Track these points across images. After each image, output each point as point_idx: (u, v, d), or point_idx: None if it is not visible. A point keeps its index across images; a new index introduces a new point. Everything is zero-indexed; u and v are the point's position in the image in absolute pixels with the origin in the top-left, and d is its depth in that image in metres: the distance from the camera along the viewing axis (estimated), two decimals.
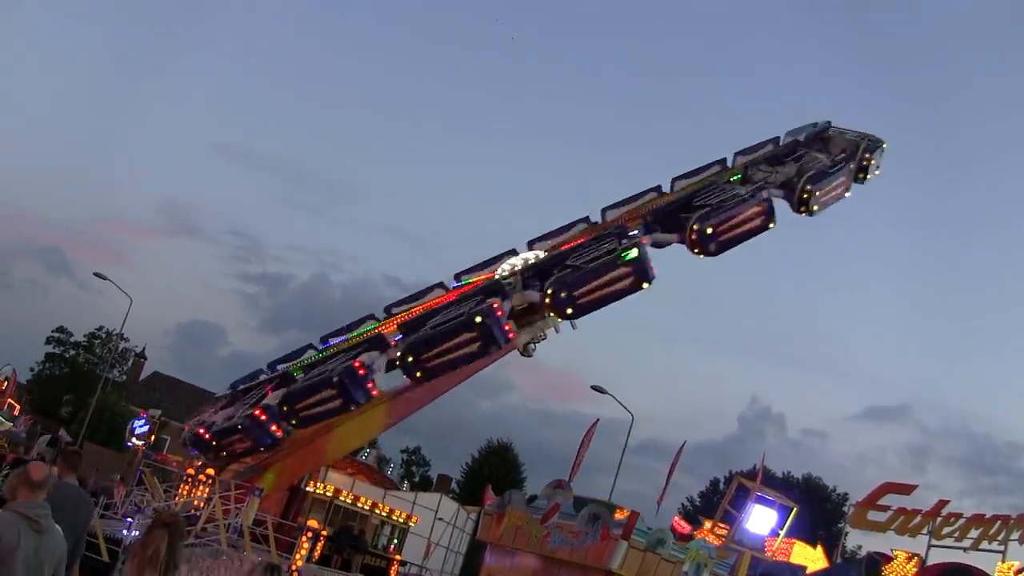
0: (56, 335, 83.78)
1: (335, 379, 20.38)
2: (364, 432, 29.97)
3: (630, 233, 22.81)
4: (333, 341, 27.47)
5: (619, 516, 24.27)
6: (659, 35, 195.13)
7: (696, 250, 21.76)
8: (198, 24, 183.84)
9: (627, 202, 27.69)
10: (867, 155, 25.54)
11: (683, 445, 33.73)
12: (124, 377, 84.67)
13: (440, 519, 44.43)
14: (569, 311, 20.26)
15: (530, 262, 25.22)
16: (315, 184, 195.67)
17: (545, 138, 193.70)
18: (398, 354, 20.61)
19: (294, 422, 21.25)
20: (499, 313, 20.13)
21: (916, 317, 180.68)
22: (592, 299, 20.49)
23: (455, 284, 28.13)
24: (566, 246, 25.80)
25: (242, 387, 26.33)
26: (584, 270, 20.70)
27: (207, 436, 22.79)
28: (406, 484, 75.49)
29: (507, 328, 20.41)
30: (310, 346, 27.84)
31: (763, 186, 23.41)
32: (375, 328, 26.76)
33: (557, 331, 23.68)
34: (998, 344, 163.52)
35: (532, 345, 25.06)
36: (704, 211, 22.18)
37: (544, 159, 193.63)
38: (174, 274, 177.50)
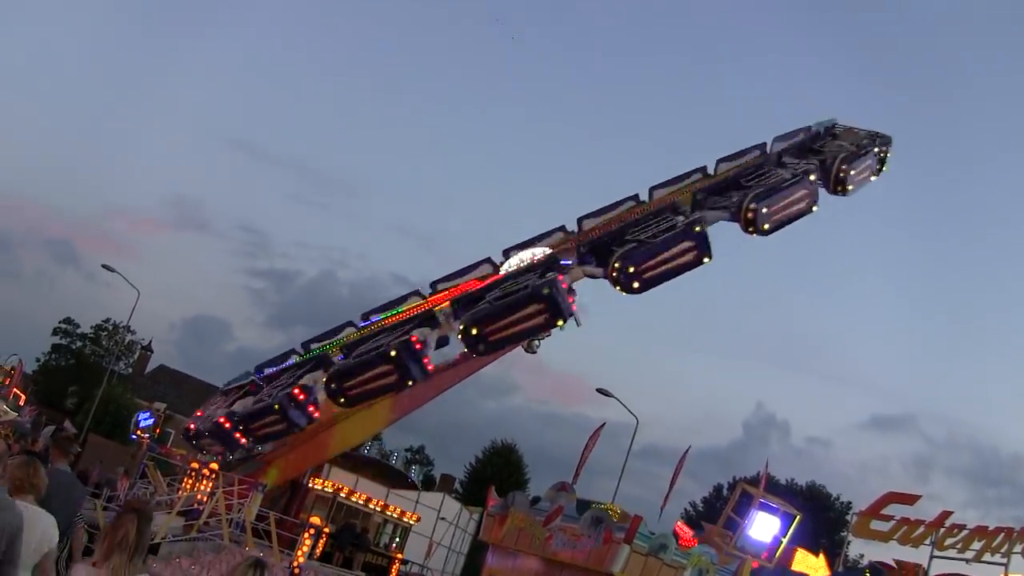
0: (63, 326, 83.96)
1: (392, 353, 20.23)
2: (367, 427, 29.96)
3: (681, 210, 22.90)
4: (375, 318, 27.39)
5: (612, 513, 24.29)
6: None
7: (750, 229, 21.84)
8: (209, 19, 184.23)
9: (674, 181, 27.75)
10: (883, 147, 25.76)
11: (687, 450, 33.70)
12: (130, 370, 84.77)
13: (443, 519, 44.43)
14: (635, 285, 20.27)
15: (580, 238, 25.22)
16: (325, 181, 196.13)
17: (556, 138, 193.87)
18: (460, 327, 20.43)
19: (342, 400, 21.10)
20: (564, 285, 20.12)
21: (922, 326, 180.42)
22: (657, 273, 20.52)
23: (503, 260, 28.05)
24: (614, 224, 25.74)
25: (234, 384, 26.25)
26: (651, 244, 20.71)
27: (228, 424, 22.67)
28: (416, 472, 75.51)
29: (571, 301, 20.39)
30: (349, 323, 27.71)
31: (806, 171, 23.46)
32: (419, 304, 26.70)
33: (561, 328, 23.60)
34: (1005, 355, 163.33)
35: (536, 342, 25.01)
36: (758, 191, 22.25)
37: (555, 159, 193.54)
38: (182, 268, 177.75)
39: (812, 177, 23.13)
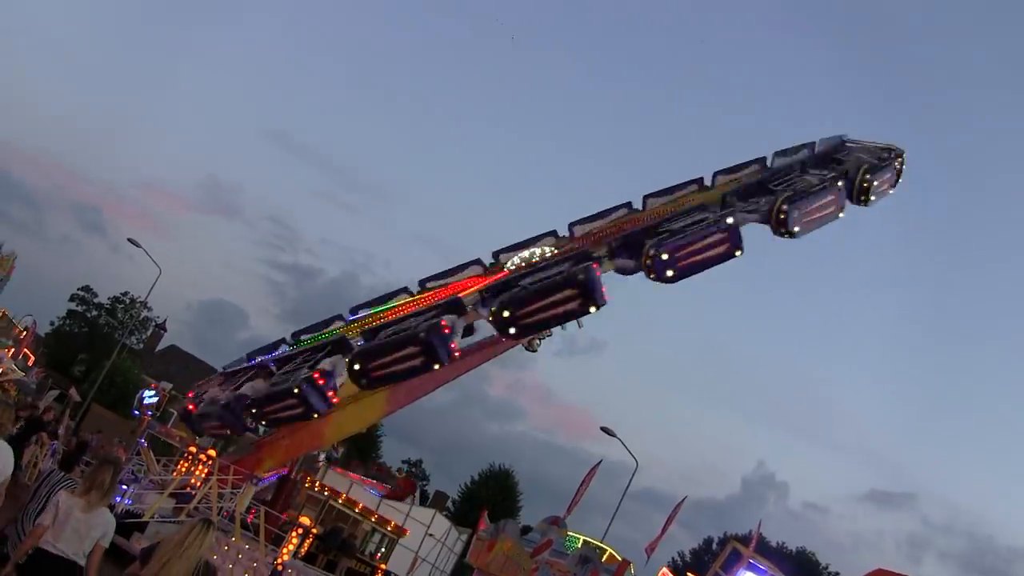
0: (81, 293, 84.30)
1: (421, 335, 20.18)
2: (363, 417, 29.88)
3: (711, 209, 22.92)
4: (363, 312, 27.41)
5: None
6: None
7: (782, 230, 21.89)
8: (264, 6, 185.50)
9: (670, 191, 27.91)
10: (899, 159, 25.75)
11: (683, 500, 33.51)
12: (141, 345, 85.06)
13: (431, 535, 44.23)
14: (669, 273, 20.15)
15: (619, 229, 25.26)
16: (360, 184, 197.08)
17: (585, 160, 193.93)
18: (492, 309, 20.37)
19: (364, 381, 21.00)
20: (598, 273, 20.13)
21: (933, 409, 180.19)
22: (693, 262, 20.40)
23: (492, 262, 28.09)
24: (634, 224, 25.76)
25: (270, 356, 26.19)
26: (685, 232, 20.74)
27: (235, 405, 22.58)
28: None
29: (604, 290, 20.37)
30: (338, 317, 27.74)
31: (836, 176, 23.52)
32: (409, 302, 26.73)
33: (563, 328, 23.57)
34: (1012, 447, 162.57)
35: (537, 341, 25.03)
36: (788, 195, 22.32)
37: (583, 180, 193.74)
38: (206, 251, 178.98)
39: (840, 184, 23.16)
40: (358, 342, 23.14)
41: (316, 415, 22.21)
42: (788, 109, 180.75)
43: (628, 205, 28.25)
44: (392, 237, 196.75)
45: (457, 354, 21.22)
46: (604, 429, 46.24)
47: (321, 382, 21.35)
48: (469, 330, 22.89)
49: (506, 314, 20.30)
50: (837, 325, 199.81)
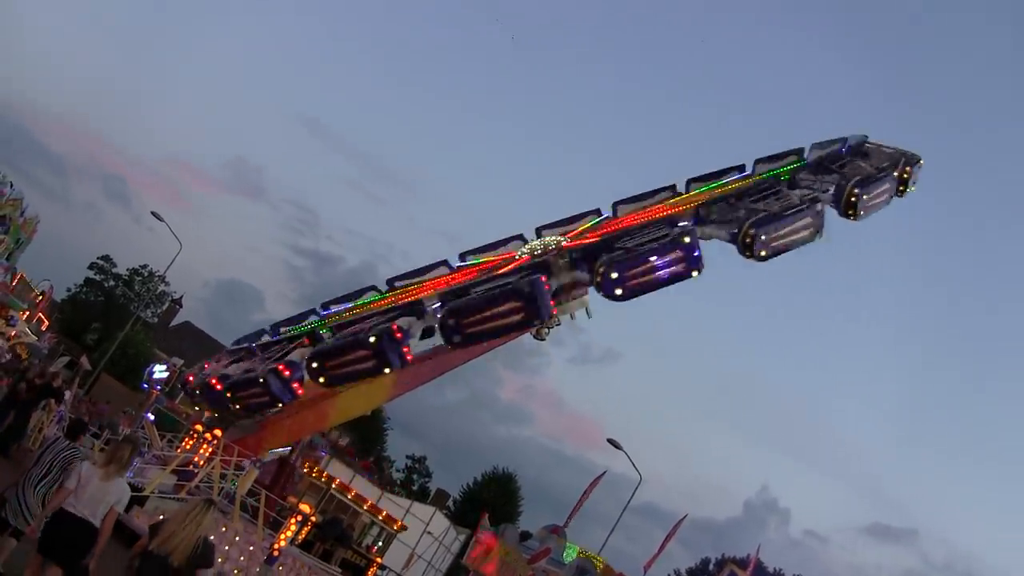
0: (100, 262, 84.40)
1: (371, 340, 20.15)
2: (369, 400, 29.82)
3: (680, 223, 22.52)
4: (333, 308, 27.43)
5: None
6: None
7: (747, 254, 21.45)
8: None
9: (640, 198, 27.74)
10: (907, 168, 25.12)
11: (683, 518, 33.35)
12: (156, 319, 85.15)
13: (429, 533, 44.09)
14: (618, 292, 19.95)
15: (560, 245, 25.08)
16: (386, 175, 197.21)
17: (610, 158, 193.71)
18: (438, 316, 20.32)
19: (322, 379, 21.04)
20: (546, 287, 19.93)
21: (943, 451, 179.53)
22: (641, 282, 20.16)
23: (460, 264, 28.03)
24: (612, 229, 25.62)
25: (252, 344, 26.21)
26: (637, 251, 20.44)
27: (219, 387, 22.62)
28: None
29: (552, 304, 20.18)
30: (312, 311, 27.79)
31: (815, 198, 23.02)
32: (377, 300, 26.72)
33: (572, 318, 23.48)
34: (1018, 493, 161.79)
35: (546, 330, 24.98)
36: (760, 216, 21.82)
37: (607, 178, 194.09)
38: (228, 230, 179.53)
39: (819, 207, 22.66)
40: (329, 336, 23.25)
41: (280, 404, 22.31)
42: (818, 108, 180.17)
43: (597, 212, 28.19)
44: (414, 230, 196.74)
45: (410, 358, 21.19)
46: (611, 441, 46.00)
47: (286, 373, 21.43)
48: (429, 332, 22.76)
49: (451, 322, 20.27)
50: (851, 357, 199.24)
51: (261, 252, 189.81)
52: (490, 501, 64.80)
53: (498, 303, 19.78)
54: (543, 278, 20.00)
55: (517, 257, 25.31)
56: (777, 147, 28.47)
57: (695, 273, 20.02)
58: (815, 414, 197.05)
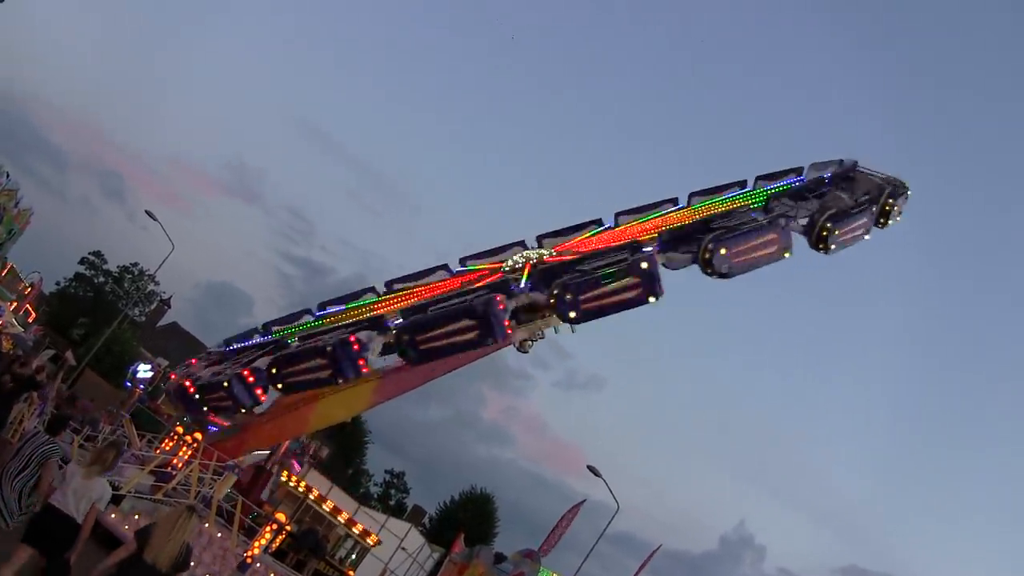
0: (91, 258, 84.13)
1: (328, 349, 20.22)
2: (350, 407, 29.76)
3: (644, 249, 22.45)
4: (331, 309, 27.40)
5: None
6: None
7: (708, 271, 21.38)
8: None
9: (640, 211, 27.58)
10: (891, 200, 24.92)
11: (657, 549, 33.32)
12: (143, 318, 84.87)
13: (403, 549, 43.95)
14: (572, 315, 19.93)
15: (539, 263, 25.05)
16: (385, 189, 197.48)
17: (610, 176, 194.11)
18: (394, 331, 20.37)
19: (280, 386, 21.10)
20: (501, 307, 19.90)
21: (918, 497, 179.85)
22: (597, 305, 20.11)
23: (460, 268, 28.04)
24: (578, 249, 25.60)
25: (236, 346, 26.19)
26: (592, 276, 20.42)
27: (192, 389, 22.60)
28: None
29: (506, 324, 20.16)
30: (307, 311, 27.76)
31: (785, 218, 22.87)
32: (374, 303, 26.71)
33: (556, 331, 23.48)
34: (992, 541, 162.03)
35: (529, 342, 24.94)
36: (720, 233, 21.75)
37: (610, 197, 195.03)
38: (222, 232, 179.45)
39: (783, 222, 22.50)
40: (296, 345, 23.24)
41: (243, 410, 22.34)
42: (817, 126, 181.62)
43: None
44: (409, 246, 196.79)
45: (366, 370, 21.21)
46: (590, 468, 45.94)
47: (250, 379, 21.44)
48: (390, 348, 22.80)
49: (405, 337, 20.31)
50: (836, 398, 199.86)
51: (253, 257, 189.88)
52: (466, 521, 64.62)
53: (452, 321, 19.86)
54: (498, 297, 20.03)
55: (504, 269, 25.31)
56: (779, 162, 28.37)
57: (652, 299, 19.99)
58: (797, 452, 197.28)
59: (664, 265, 21.64)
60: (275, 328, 26.72)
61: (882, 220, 24.78)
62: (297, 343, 23.24)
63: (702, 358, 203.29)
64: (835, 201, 24.98)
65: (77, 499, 11.60)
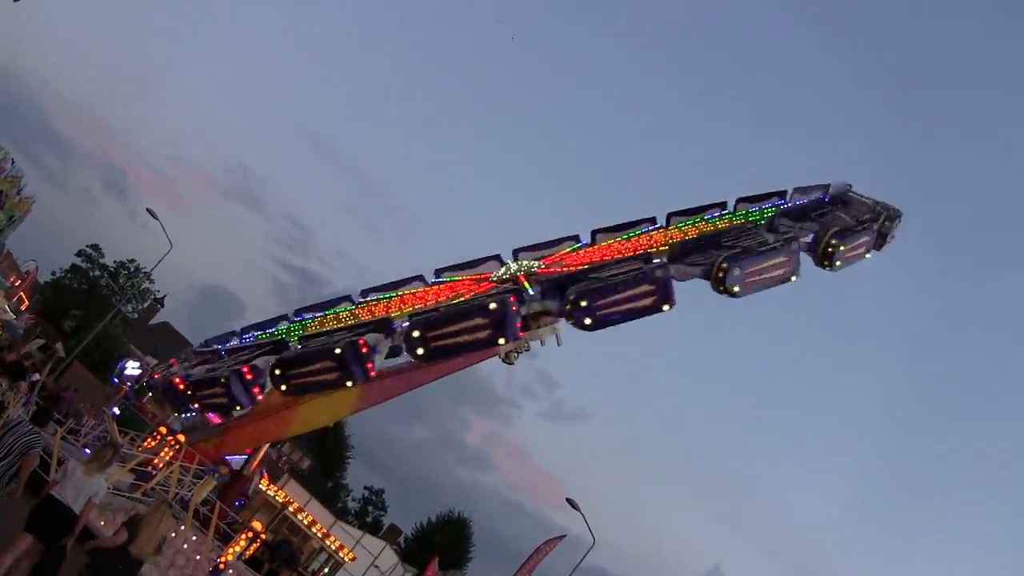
0: (88, 251, 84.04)
1: (337, 351, 20.14)
2: (333, 412, 29.73)
3: (655, 260, 22.50)
4: (307, 315, 27.37)
5: None
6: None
7: (720, 288, 21.36)
8: (330, 12, 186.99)
9: (620, 228, 27.65)
10: (887, 222, 25.08)
11: None
12: (136, 315, 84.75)
13: (376, 567, 43.80)
14: (587, 321, 19.86)
15: (534, 274, 25.07)
16: (388, 206, 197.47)
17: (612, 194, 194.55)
18: (404, 327, 20.31)
19: (284, 387, 21.01)
20: (515, 308, 19.90)
21: (894, 550, 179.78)
22: (611, 312, 20.08)
23: (435, 280, 28.04)
24: (567, 262, 25.66)
25: (219, 346, 26.13)
26: (609, 282, 20.42)
27: (182, 386, 22.53)
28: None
29: (518, 325, 20.16)
30: (283, 317, 27.75)
31: (792, 238, 22.92)
32: (350, 310, 26.72)
33: (543, 343, 23.44)
34: None
35: (515, 354, 24.91)
36: (734, 252, 21.80)
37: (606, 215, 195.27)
38: (220, 235, 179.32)
39: (794, 246, 22.55)
40: (296, 346, 23.19)
41: (239, 408, 22.24)
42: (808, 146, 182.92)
43: (576, 238, 28.15)
44: (405, 263, 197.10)
45: (373, 373, 21.13)
46: (569, 500, 45.76)
47: (249, 376, 21.37)
48: (396, 351, 22.73)
49: (416, 334, 20.24)
50: (813, 447, 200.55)
51: (250, 263, 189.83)
52: (442, 543, 64.42)
53: (465, 318, 19.83)
54: (512, 298, 20.05)
55: (493, 279, 25.32)
56: (760, 183, 28.46)
57: (666, 307, 20.02)
58: (776, 503, 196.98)
59: (673, 277, 21.71)
60: (254, 332, 26.71)
61: (879, 242, 24.96)
62: (299, 344, 23.23)
63: (685, 399, 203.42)
64: (836, 220, 25.07)
65: (77, 492, 12.55)
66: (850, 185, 28.02)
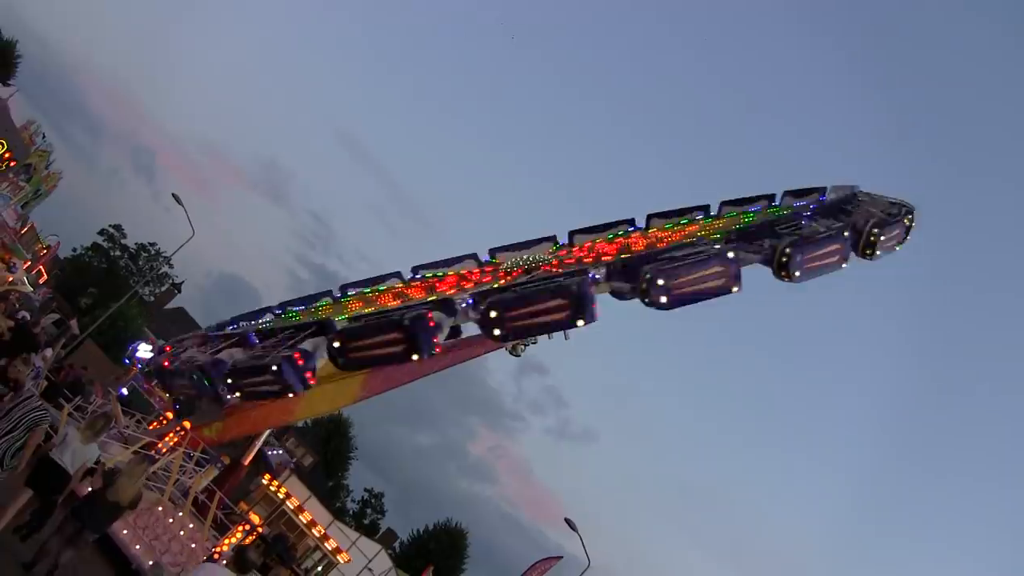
0: (111, 230, 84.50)
1: (406, 322, 20.04)
2: (336, 399, 29.38)
3: (716, 247, 22.49)
4: (352, 291, 27.40)
5: None
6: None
7: (782, 273, 21.32)
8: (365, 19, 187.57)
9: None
10: (908, 216, 25.10)
11: None
12: (152, 299, 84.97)
13: (370, 570, 43.73)
14: (663, 300, 19.77)
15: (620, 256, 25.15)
16: (414, 211, 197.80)
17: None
18: (482, 308, 20.20)
19: (341, 360, 20.94)
20: (592, 289, 19.84)
21: None
22: (687, 291, 19.97)
23: (486, 259, 27.99)
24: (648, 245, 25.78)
25: (245, 324, 26.13)
26: (685, 261, 20.37)
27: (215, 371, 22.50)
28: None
29: (595, 306, 20.13)
30: (327, 292, 27.68)
31: (843, 227, 23.00)
32: (399, 287, 26.72)
33: (549, 337, 23.39)
34: None
35: (522, 346, 24.83)
36: (794, 239, 21.84)
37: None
38: (243, 226, 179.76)
39: (846, 234, 22.56)
40: (344, 323, 23.12)
41: (291, 394, 22.15)
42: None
43: (631, 221, 28.10)
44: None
45: (438, 350, 21.00)
46: (567, 521, 45.66)
47: (300, 362, 21.28)
48: (455, 332, 22.69)
49: (493, 314, 20.11)
50: (803, 483, 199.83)
51: (270, 256, 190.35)
52: (437, 552, 64.33)
53: (544, 299, 19.77)
54: (588, 278, 20.08)
55: (551, 260, 25.33)
56: (755, 184, 28.62)
57: (735, 289, 20.02)
58: (774, 539, 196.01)
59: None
60: (293, 308, 26.69)
61: (905, 236, 25.15)
62: (346, 322, 23.27)
63: (690, 428, 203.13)
64: (869, 214, 25.13)
65: (73, 457, 14.03)
66: (856, 187, 28.25)
